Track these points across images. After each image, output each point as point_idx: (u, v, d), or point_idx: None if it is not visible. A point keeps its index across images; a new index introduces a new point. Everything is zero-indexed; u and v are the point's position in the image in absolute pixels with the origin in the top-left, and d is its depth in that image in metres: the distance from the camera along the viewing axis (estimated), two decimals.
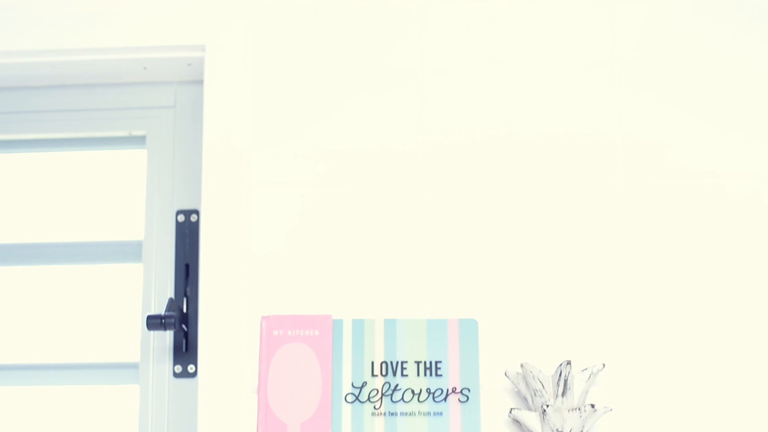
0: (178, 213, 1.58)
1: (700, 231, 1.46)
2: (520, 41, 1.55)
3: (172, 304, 1.49)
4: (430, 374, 1.33)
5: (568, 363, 1.30)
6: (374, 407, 1.32)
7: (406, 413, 1.31)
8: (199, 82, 1.61)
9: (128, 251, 1.62)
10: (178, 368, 1.53)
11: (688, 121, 1.50)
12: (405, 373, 1.33)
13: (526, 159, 1.50)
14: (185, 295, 1.54)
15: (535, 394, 1.31)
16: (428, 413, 1.31)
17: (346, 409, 1.32)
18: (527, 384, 1.32)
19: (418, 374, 1.33)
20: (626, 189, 1.48)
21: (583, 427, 1.29)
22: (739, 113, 1.50)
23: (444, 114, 1.52)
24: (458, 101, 1.53)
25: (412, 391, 1.32)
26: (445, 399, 1.32)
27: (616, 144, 1.50)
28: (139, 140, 1.65)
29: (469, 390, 1.32)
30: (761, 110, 1.50)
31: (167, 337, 1.54)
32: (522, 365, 1.32)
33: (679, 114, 1.51)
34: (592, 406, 1.28)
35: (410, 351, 1.34)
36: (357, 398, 1.32)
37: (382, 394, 1.32)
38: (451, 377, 1.33)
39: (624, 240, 1.46)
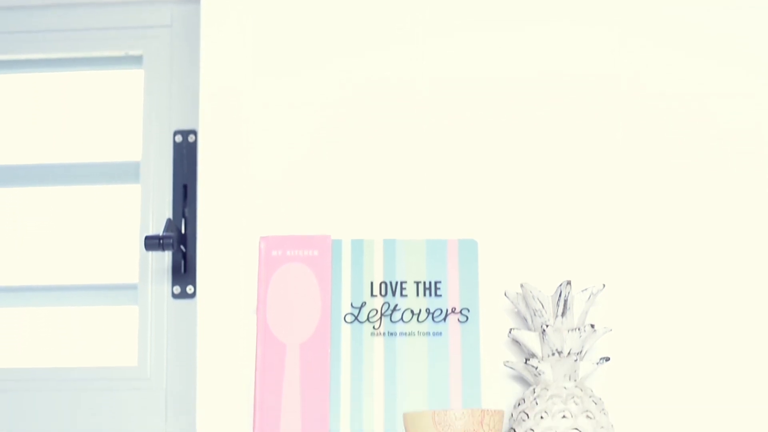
0: (175, 133, 1.57)
1: (698, 153, 1.45)
2: None
3: (170, 224, 1.48)
4: (430, 294, 1.32)
5: (568, 283, 1.29)
6: (373, 327, 1.31)
7: (405, 333, 1.31)
8: (196, 1, 1.58)
9: (126, 172, 1.61)
10: (177, 289, 1.52)
11: (684, 54, 1.49)
12: (404, 293, 1.32)
13: (525, 90, 1.48)
14: (183, 216, 1.54)
15: (535, 314, 1.30)
16: (428, 333, 1.31)
17: (346, 330, 1.31)
18: (527, 304, 1.32)
19: (418, 294, 1.32)
20: (626, 112, 1.46)
21: (582, 347, 1.29)
22: (730, 46, 1.49)
23: (445, 48, 1.50)
24: (459, 37, 1.50)
25: (412, 312, 1.32)
26: (444, 319, 1.31)
27: (616, 77, 1.48)
28: (136, 60, 1.63)
29: (468, 310, 1.32)
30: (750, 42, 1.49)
31: (165, 258, 1.54)
32: (522, 285, 1.31)
33: (675, 48, 1.49)
34: (592, 326, 1.28)
35: (410, 271, 1.33)
36: (356, 318, 1.31)
37: (382, 314, 1.31)
38: (451, 297, 1.32)
39: (624, 161, 1.45)
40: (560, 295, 1.29)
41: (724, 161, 1.44)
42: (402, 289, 1.33)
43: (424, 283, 1.33)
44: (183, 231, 1.53)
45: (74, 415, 1.51)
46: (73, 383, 1.53)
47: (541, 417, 1.25)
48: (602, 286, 1.33)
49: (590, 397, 1.27)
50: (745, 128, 1.45)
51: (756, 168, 1.44)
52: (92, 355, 1.59)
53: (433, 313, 1.32)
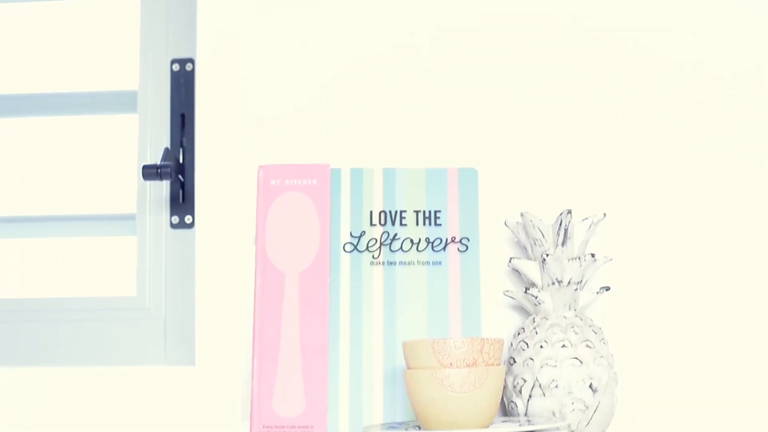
0: (173, 62, 1.55)
1: (699, 85, 1.44)
2: None
3: (168, 154, 1.47)
4: (429, 224, 1.31)
5: (569, 212, 1.28)
6: (373, 256, 1.31)
7: (404, 262, 1.30)
8: None
9: (123, 101, 1.59)
10: (176, 219, 1.52)
11: None
12: (404, 222, 1.31)
13: (526, 21, 1.46)
14: (181, 146, 1.52)
15: (535, 244, 1.30)
16: (427, 262, 1.30)
17: (345, 259, 1.31)
18: (527, 233, 1.31)
19: (417, 223, 1.31)
20: (628, 45, 1.45)
21: (582, 276, 1.28)
22: None
23: None
24: None
25: (411, 241, 1.31)
26: (444, 248, 1.31)
27: (616, 14, 1.47)
28: None
29: (468, 239, 1.31)
30: None
31: (164, 187, 1.53)
32: (522, 214, 1.30)
33: None
34: (592, 255, 1.27)
35: (409, 200, 1.32)
36: (355, 247, 1.31)
37: (381, 244, 1.31)
38: (451, 227, 1.31)
39: (625, 90, 1.44)
40: (560, 225, 1.29)
41: (727, 93, 1.43)
42: (401, 218, 1.32)
43: (424, 212, 1.32)
44: (181, 160, 1.52)
45: (73, 345, 1.52)
46: (71, 313, 1.52)
47: (541, 346, 1.25)
48: (603, 216, 1.32)
49: (590, 326, 1.27)
50: (743, 70, 1.44)
51: (756, 103, 1.43)
52: (91, 286, 1.59)
53: (432, 243, 1.31)
